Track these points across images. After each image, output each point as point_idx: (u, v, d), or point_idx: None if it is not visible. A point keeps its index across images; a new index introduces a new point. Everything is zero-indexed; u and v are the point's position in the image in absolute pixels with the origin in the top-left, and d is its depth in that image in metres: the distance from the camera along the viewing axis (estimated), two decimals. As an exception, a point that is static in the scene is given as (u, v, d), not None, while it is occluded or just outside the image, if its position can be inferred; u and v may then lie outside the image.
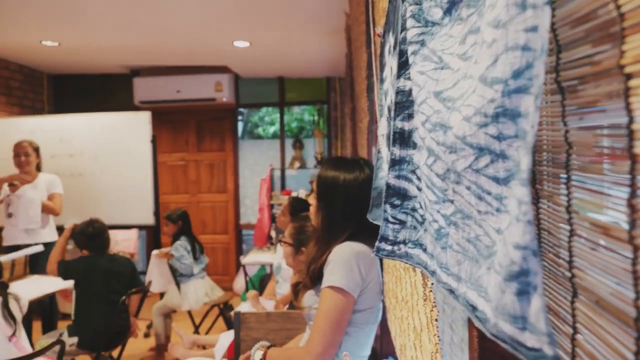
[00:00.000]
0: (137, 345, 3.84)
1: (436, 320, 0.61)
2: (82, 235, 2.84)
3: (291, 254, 2.03)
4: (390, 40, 0.95)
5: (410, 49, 0.60)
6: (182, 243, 3.68)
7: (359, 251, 1.39)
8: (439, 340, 0.60)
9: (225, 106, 5.51)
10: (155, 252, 3.90)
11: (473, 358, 0.50)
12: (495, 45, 0.43)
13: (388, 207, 0.69)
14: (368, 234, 1.43)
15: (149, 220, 4.56)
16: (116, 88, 5.61)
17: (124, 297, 2.79)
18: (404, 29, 0.65)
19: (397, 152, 0.68)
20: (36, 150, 3.72)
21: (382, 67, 1.14)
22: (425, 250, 0.61)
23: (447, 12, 0.54)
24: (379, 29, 1.15)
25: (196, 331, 3.71)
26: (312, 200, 1.58)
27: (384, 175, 1.15)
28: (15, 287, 2.38)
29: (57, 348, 2.23)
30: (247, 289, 4.19)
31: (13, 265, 3.10)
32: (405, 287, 0.89)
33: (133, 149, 4.53)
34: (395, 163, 0.68)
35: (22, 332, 2.19)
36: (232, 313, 3.86)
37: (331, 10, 3.30)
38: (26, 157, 3.62)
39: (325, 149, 5.46)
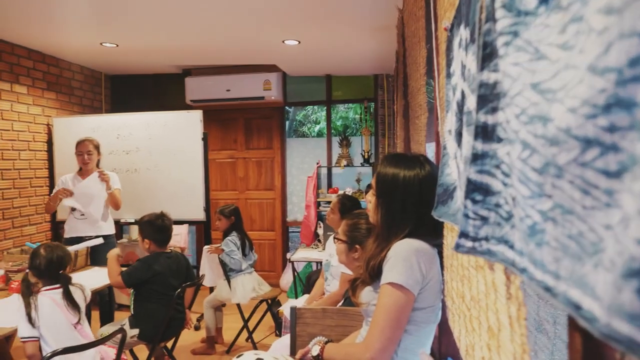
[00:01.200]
0: (188, 336, 3.96)
1: (525, 319, 0.59)
2: (150, 225, 2.91)
3: (344, 250, 2.04)
4: (463, 33, 0.93)
5: (501, 40, 0.59)
6: (233, 238, 3.75)
7: (418, 248, 1.37)
8: (528, 340, 0.58)
9: (273, 104, 5.58)
10: (206, 247, 3.99)
11: (575, 359, 0.48)
12: (606, 33, 0.42)
13: (469, 202, 0.68)
14: (427, 231, 1.42)
15: (200, 215, 4.68)
16: (169, 87, 5.79)
17: (178, 290, 2.87)
18: (489, 19, 0.63)
19: (480, 146, 0.66)
20: (97, 147, 3.91)
21: (449, 61, 1.12)
22: (512, 247, 0.59)
23: (543, 1, 0.52)
24: (446, 23, 1.13)
25: (245, 325, 3.77)
26: (369, 197, 1.57)
27: (450, 172, 1.13)
28: (76, 278, 2.50)
29: (117, 337, 2.33)
30: (295, 286, 4.24)
31: (76, 256, 3.26)
32: (477, 286, 0.87)
33: (185, 146, 4.67)
34: (477, 158, 0.66)
35: (85, 321, 2.30)
36: (280, 309, 3.92)
37: (381, 7, 3.27)
38: (88, 154, 3.82)
39: (372, 147, 5.43)
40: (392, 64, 4.89)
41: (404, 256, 1.35)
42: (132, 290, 2.91)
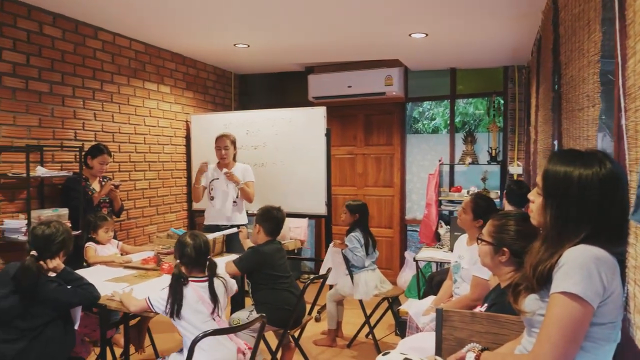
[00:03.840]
0: (309, 327, 4.05)
1: None
2: (265, 214, 3.06)
3: (489, 253, 1.91)
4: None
5: None
6: (357, 235, 3.75)
7: (599, 256, 1.21)
8: None
9: (394, 100, 5.50)
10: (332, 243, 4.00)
11: None
12: None
13: None
14: (607, 238, 1.25)
15: (321, 210, 4.77)
16: (292, 85, 5.99)
17: (293, 279, 2.97)
18: None
19: None
20: (233, 142, 4.16)
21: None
22: None
23: None
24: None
25: (367, 321, 3.76)
26: (533, 197, 1.44)
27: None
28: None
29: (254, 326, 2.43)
30: (418, 286, 4.14)
31: (213, 243, 3.50)
32: None
33: (308, 142, 4.79)
34: None
35: (222, 311, 2.41)
36: (400, 308, 3.84)
37: (523, -8, 3.03)
38: (225, 149, 4.08)
39: (499, 144, 5.10)
40: (527, 54, 4.54)
41: (580, 264, 1.20)
42: (247, 280, 3.06)
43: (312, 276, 3.41)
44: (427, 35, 4.11)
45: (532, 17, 3.47)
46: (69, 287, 2.24)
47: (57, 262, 2.26)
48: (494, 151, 4.94)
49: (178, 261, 2.34)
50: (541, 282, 1.29)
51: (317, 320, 4.40)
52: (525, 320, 1.38)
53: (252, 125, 5.04)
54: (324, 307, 4.69)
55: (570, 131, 2.01)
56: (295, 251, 5.50)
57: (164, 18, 3.85)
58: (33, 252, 2.17)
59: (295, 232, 5.63)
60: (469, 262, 2.83)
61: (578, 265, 1.20)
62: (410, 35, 4.12)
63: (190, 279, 2.30)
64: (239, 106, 6.17)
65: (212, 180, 4.15)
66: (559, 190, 1.30)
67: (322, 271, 3.86)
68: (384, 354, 1.57)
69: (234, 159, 4.21)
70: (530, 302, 1.33)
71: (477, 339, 1.62)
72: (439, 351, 1.67)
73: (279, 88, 6.09)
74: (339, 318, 3.91)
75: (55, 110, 3.78)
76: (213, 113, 5.49)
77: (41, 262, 2.20)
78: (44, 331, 2.15)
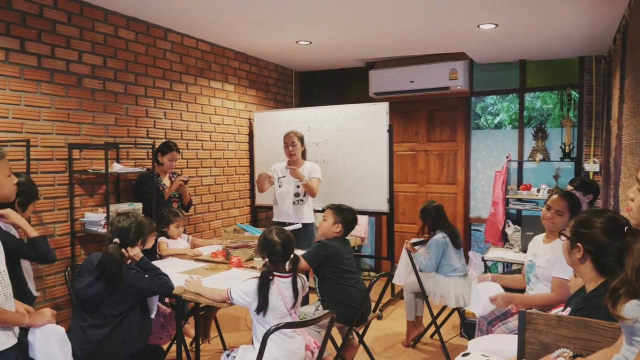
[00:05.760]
0: (372, 324, 4.00)
1: None
2: (344, 211, 3.05)
3: (567, 248, 1.79)
4: None
5: None
6: (439, 239, 3.58)
7: None
8: None
9: (458, 94, 5.33)
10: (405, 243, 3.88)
11: None
12: None
13: None
14: None
15: (383, 207, 4.71)
16: (353, 81, 5.95)
17: (359, 276, 2.92)
18: None
19: None
20: (301, 139, 4.14)
21: None
22: None
23: None
24: None
25: (434, 321, 3.64)
26: (632, 194, 1.33)
27: None
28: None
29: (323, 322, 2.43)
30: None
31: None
32: None
33: (370, 138, 4.74)
34: None
35: (299, 308, 2.43)
36: (466, 309, 3.71)
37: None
38: (293, 146, 4.08)
39: (573, 140, 4.81)
40: (607, 42, 4.24)
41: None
42: (313, 276, 3.05)
43: (373, 274, 3.35)
44: (497, 25, 3.94)
45: (616, 2, 3.23)
46: (146, 275, 2.33)
47: (136, 251, 2.36)
48: (567, 147, 4.66)
49: (266, 259, 2.34)
50: (646, 287, 1.19)
51: (379, 318, 4.35)
52: (624, 327, 1.28)
53: (313, 122, 5.06)
54: (385, 305, 4.64)
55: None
56: (356, 248, 5.46)
57: (229, 18, 3.93)
58: (116, 240, 2.28)
59: (356, 229, 5.58)
60: (546, 260, 2.69)
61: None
62: (478, 26, 3.97)
63: (274, 274, 2.32)
64: (299, 104, 6.22)
65: (280, 177, 4.19)
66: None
67: (399, 279, 3.68)
68: (463, 355, 1.51)
69: (304, 157, 4.21)
70: (631, 309, 1.23)
71: (564, 344, 1.52)
72: (521, 354, 1.58)
73: (339, 85, 6.07)
74: (418, 312, 3.77)
75: (130, 110, 3.96)
76: (275, 110, 5.56)
77: (122, 250, 2.31)
78: (125, 318, 2.26)
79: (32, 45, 3.22)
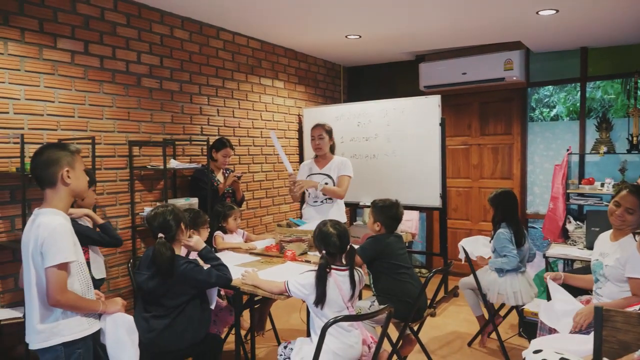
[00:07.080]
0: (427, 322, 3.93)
1: None
2: (386, 211, 2.98)
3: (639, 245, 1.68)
4: None
5: None
6: (504, 232, 3.36)
7: None
8: None
9: (514, 85, 5.13)
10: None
11: None
12: None
13: None
14: None
15: (435, 202, 4.61)
16: (401, 75, 5.86)
17: (413, 271, 2.87)
18: None
19: None
20: (329, 132, 3.74)
21: None
22: None
23: None
24: None
25: (492, 320, 3.53)
26: None
27: None
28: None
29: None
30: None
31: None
32: None
33: (422, 132, 4.64)
34: None
35: (355, 301, 2.42)
36: (525, 308, 3.57)
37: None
38: (319, 138, 3.70)
39: (640, 130, 4.52)
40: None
41: None
42: (367, 271, 3.00)
43: (424, 271, 3.24)
44: (557, 11, 3.75)
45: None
46: (207, 266, 2.38)
47: (195, 239, 2.44)
48: (635, 139, 4.39)
49: (323, 252, 2.33)
50: None
51: (433, 315, 4.26)
52: None
53: (363, 117, 5.02)
54: (439, 302, 4.54)
55: None
56: (407, 244, 5.38)
57: (280, 15, 3.95)
58: (160, 235, 2.30)
59: (406, 225, 5.52)
60: (615, 259, 2.53)
61: None
62: (537, 12, 3.79)
63: (332, 266, 2.31)
64: (348, 99, 6.19)
65: (309, 175, 3.82)
66: None
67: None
68: (535, 352, 1.44)
69: (332, 151, 3.83)
70: None
71: (647, 343, 1.43)
72: (597, 353, 1.49)
73: (388, 79, 5.99)
74: (479, 310, 3.64)
75: (185, 107, 4.07)
76: (324, 106, 5.55)
77: (181, 237, 2.36)
78: (185, 309, 2.32)
79: (94, 47, 3.37)
